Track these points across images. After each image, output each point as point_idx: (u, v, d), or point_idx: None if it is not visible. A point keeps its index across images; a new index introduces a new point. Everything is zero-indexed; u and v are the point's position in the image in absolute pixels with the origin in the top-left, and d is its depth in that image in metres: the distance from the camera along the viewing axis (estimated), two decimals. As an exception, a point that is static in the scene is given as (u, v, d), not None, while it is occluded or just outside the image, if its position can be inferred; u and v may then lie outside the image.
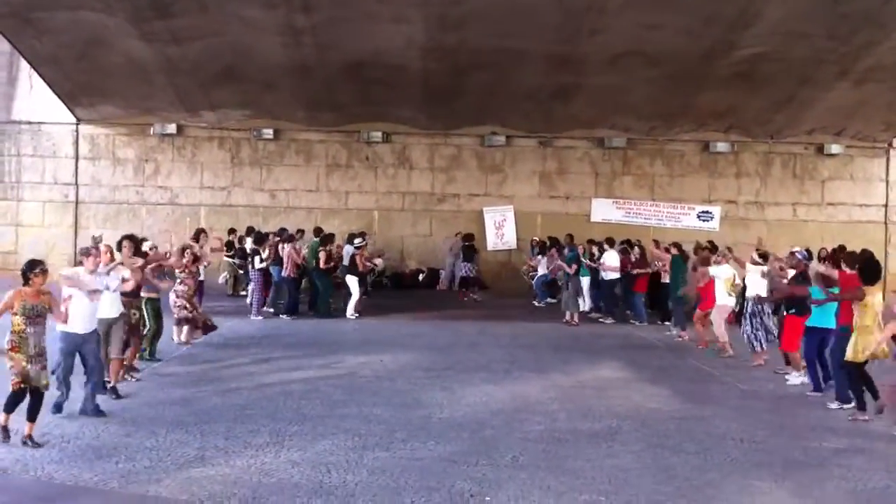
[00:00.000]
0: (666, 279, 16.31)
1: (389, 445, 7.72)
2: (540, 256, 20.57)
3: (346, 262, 17.73)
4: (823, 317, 10.25)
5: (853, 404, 9.41)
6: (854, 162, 23.51)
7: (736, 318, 14.34)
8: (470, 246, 21.24)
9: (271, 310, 17.18)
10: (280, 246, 16.93)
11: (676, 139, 23.04)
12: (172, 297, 12.77)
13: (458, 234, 21.91)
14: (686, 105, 21.07)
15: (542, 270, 20.41)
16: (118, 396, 9.48)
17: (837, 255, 12.19)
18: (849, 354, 9.09)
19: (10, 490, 6.44)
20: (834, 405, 9.74)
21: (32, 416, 7.62)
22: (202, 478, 6.69)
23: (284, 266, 16.67)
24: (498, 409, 9.36)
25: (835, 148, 23.10)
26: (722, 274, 13.48)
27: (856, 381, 9.23)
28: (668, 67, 18.55)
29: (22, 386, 7.52)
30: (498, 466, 7.17)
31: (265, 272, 16.86)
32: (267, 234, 17.74)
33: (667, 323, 16.41)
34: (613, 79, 19.19)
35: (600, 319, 17.51)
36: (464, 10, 16.30)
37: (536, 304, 20.23)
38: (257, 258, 16.70)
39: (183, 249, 13.25)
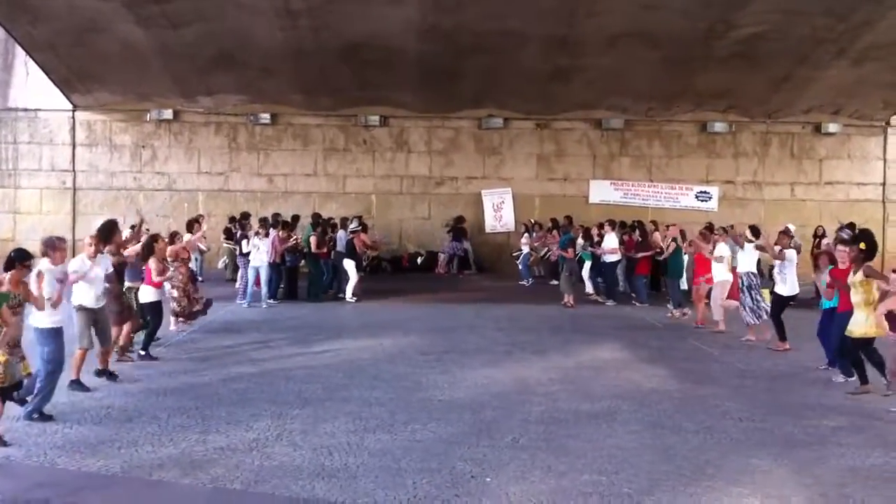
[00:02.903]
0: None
1: (390, 428, 7.74)
2: (526, 235, 21.12)
3: (339, 246, 17.67)
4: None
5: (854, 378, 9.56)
6: (851, 141, 23.51)
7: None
8: (459, 228, 22.54)
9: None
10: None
11: (674, 120, 23.02)
12: (168, 286, 12.55)
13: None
14: (684, 86, 21.03)
15: (525, 249, 20.97)
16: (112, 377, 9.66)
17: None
18: (863, 331, 9.11)
19: (13, 477, 6.45)
20: (839, 379, 9.89)
21: None
22: (205, 462, 6.71)
23: (268, 252, 16.59)
24: (498, 390, 9.38)
25: (832, 127, 23.08)
26: (719, 253, 13.64)
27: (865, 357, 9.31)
28: (666, 48, 18.51)
29: (4, 385, 7.10)
30: (499, 447, 7.19)
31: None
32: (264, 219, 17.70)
33: (668, 305, 16.33)
34: (611, 60, 19.15)
35: (599, 301, 17.51)
36: (460, -8, 16.31)
37: (525, 284, 20.51)
38: (243, 243, 16.75)
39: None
